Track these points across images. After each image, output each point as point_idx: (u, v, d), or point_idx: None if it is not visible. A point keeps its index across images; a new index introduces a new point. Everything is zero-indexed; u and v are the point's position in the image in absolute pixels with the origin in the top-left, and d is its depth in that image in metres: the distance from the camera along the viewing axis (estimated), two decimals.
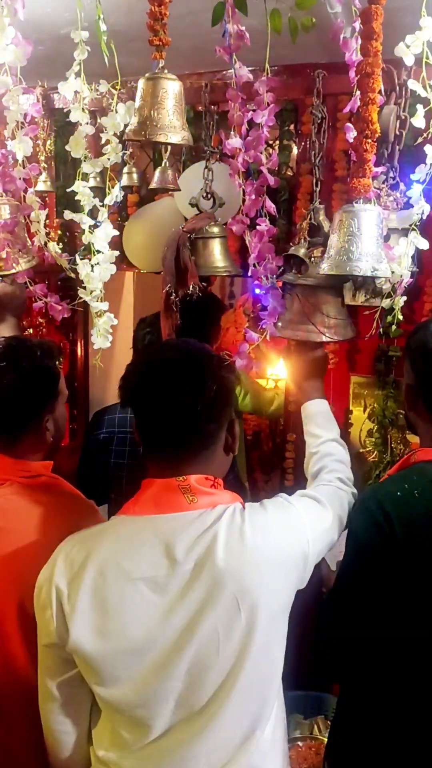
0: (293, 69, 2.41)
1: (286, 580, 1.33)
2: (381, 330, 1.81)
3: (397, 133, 1.73)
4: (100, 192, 1.86)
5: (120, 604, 1.26)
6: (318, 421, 1.82)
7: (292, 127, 2.49)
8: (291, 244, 1.84)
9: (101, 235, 1.65)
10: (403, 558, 1.45)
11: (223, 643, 1.26)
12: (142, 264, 2.65)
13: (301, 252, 1.73)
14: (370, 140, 1.40)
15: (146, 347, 2.38)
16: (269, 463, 3.49)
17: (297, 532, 1.37)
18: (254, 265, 1.51)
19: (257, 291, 1.52)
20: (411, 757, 1.52)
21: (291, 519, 1.39)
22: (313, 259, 1.75)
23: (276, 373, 3.42)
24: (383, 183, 1.77)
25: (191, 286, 1.80)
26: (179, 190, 1.91)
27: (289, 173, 2.56)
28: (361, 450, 2.68)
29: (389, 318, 1.64)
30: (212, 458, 1.38)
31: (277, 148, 2.54)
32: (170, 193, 2.40)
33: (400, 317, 1.64)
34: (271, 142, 2.61)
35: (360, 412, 2.67)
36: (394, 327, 1.74)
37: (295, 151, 2.56)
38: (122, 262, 2.72)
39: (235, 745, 1.30)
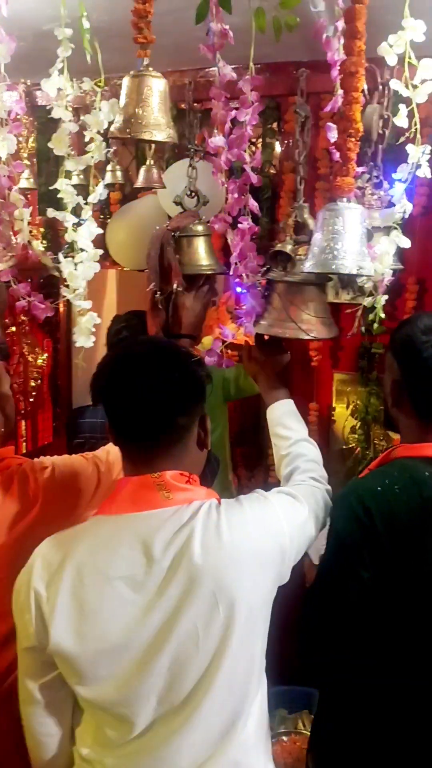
0: (276, 67, 2.41)
1: (264, 575, 1.33)
2: (363, 328, 1.82)
3: (380, 132, 1.74)
4: (83, 190, 1.85)
5: (99, 605, 1.26)
6: (285, 422, 1.81)
7: (275, 125, 2.50)
8: (276, 241, 1.84)
9: (85, 234, 1.64)
10: (385, 553, 1.46)
11: (202, 639, 1.26)
12: (126, 262, 2.64)
13: (288, 248, 1.73)
14: (353, 139, 1.40)
15: (119, 343, 2.39)
16: (253, 459, 3.50)
17: (273, 526, 1.37)
18: (236, 264, 1.50)
19: (238, 290, 1.51)
20: (392, 748, 1.53)
21: (267, 513, 1.39)
22: (298, 256, 1.75)
23: None
24: (367, 182, 1.78)
25: (175, 285, 1.79)
26: (165, 187, 1.91)
27: (272, 171, 2.58)
28: (344, 447, 2.70)
29: (371, 316, 1.65)
30: (185, 453, 1.38)
31: (260, 146, 2.55)
32: (154, 190, 2.40)
33: (382, 315, 1.65)
34: (254, 140, 2.62)
35: (343, 409, 2.69)
36: (376, 325, 1.74)
37: (278, 149, 2.57)
38: (105, 259, 2.72)
39: (217, 739, 1.31)
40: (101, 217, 2.71)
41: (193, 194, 1.90)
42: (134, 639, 1.26)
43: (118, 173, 2.42)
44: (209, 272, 1.86)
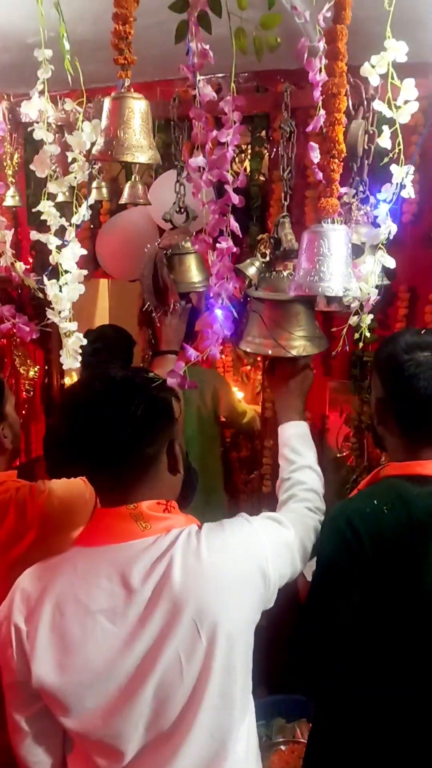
0: (264, 75, 2.40)
1: (245, 600, 1.33)
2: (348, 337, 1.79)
3: (366, 147, 1.72)
4: (68, 207, 1.83)
5: (80, 638, 1.26)
6: (293, 445, 1.77)
7: (263, 133, 2.48)
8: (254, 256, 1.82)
9: (69, 255, 1.63)
10: (373, 574, 1.46)
11: (185, 666, 1.26)
12: (116, 273, 2.64)
13: (250, 271, 1.72)
14: (336, 160, 1.39)
15: (91, 356, 2.38)
16: (248, 465, 3.49)
17: (255, 550, 1.36)
18: (214, 285, 1.49)
19: (217, 312, 1.48)
20: (387, 759, 1.53)
21: (249, 538, 1.38)
22: (275, 273, 1.74)
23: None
24: (353, 197, 1.77)
25: (172, 304, 1.79)
26: (149, 204, 1.89)
27: (262, 179, 2.56)
28: (338, 455, 2.69)
29: (356, 335, 1.64)
30: (157, 481, 1.37)
31: (249, 154, 2.54)
32: None
33: (368, 334, 1.64)
34: (243, 147, 2.61)
35: (336, 417, 2.68)
36: (361, 344, 1.72)
37: (267, 157, 2.55)
38: (96, 269, 2.71)
39: (207, 764, 1.31)
40: (91, 227, 2.70)
41: (182, 210, 1.89)
42: (118, 670, 1.26)
43: (104, 190, 2.40)
44: (202, 289, 1.86)
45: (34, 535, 1.61)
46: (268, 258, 1.79)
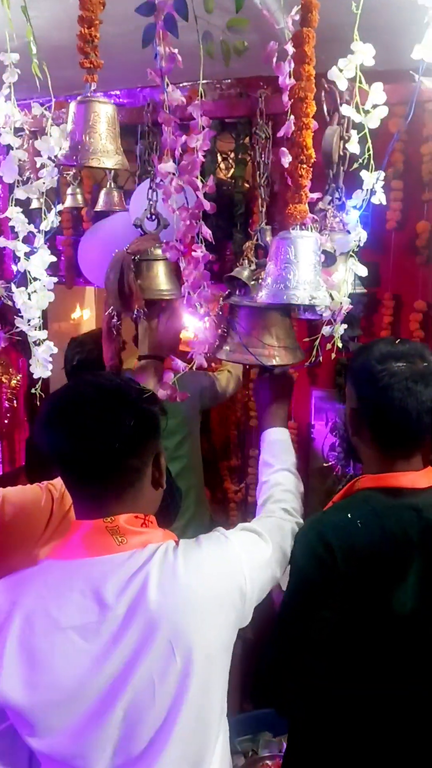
0: (247, 82, 2.39)
1: (223, 619, 1.29)
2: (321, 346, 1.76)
3: (341, 153, 1.70)
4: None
5: (50, 655, 1.22)
6: (273, 450, 1.79)
7: (247, 140, 2.46)
8: (237, 264, 1.80)
9: (38, 263, 1.60)
10: (346, 588, 1.44)
11: (158, 688, 1.22)
12: (98, 280, 2.61)
13: (244, 275, 1.69)
14: (305, 166, 1.36)
15: (74, 367, 2.36)
16: (238, 473, 3.46)
17: (233, 568, 1.34)
18: (189, 293, 1.45)
19: (196, 321, 1.46)
20: None
21: (226, 555, 1.35)
22: (259, 280, 1.72)
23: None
24: (329, 204, 1.74)
25: (136, 310, 1.76)
26: (126, 210, 1.86)
27: (246, 185, 2.54)
28: (324, 464, 2.66)
29: (328, 345, 1.60)
30: (139, 495, 1.34)
31: (232, 161, 2.52)
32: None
33: (340, 345, 1.60)
34: (226, 154, 2.59)
35: (322, 426, 2.66)
36: (331, 344, 1.68)
37: (251, 163, 2.53)
38: (80, 277, 2.69)
39: None
40: (74, 234, 2.67)
41: (154, 217, 1.87)
42: (88, 689, 1.22)
43: (79, 197, 2.36)
44: (169, 297, 1.83)
45: None
46: (253, 266, 1.77)
